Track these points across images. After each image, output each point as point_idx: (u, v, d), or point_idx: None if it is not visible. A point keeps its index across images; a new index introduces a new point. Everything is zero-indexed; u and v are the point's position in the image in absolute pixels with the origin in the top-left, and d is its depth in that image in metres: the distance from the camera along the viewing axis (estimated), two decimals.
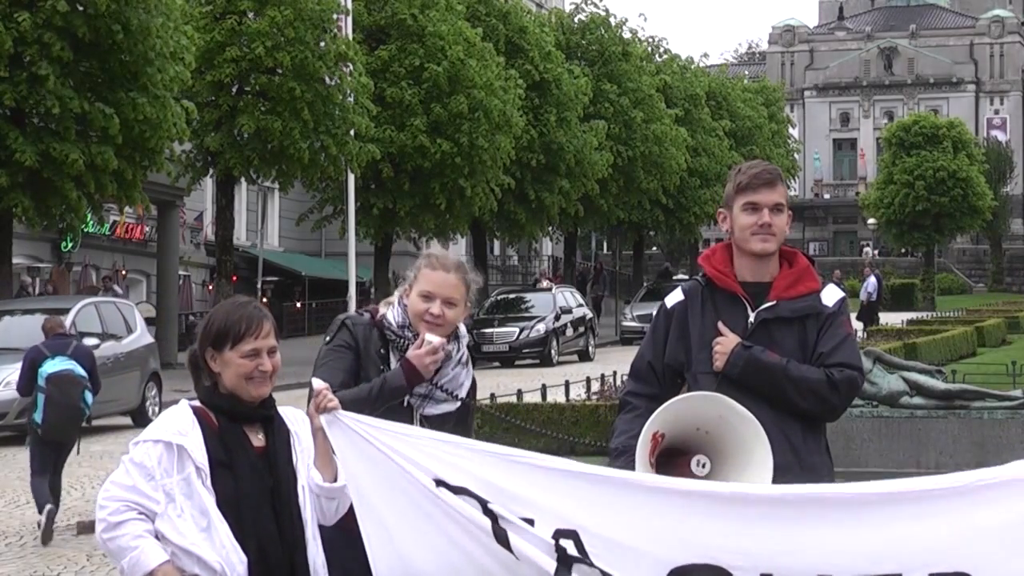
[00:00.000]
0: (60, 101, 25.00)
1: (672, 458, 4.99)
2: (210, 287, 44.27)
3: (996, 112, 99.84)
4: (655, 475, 4.81)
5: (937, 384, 13.75)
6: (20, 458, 15.10)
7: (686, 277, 38.38)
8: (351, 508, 4.66)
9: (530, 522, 4.58)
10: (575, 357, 38.27)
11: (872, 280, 45.13)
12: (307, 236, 50.36)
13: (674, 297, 5.40)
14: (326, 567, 4.59)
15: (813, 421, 5.24)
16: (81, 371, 14.08)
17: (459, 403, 5.54)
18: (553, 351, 37.10)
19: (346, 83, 32.28)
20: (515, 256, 70.05)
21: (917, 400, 13.62)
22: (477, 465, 4.68)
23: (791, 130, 78.57)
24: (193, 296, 46.89)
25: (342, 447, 4.63)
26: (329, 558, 4.62)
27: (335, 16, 32.47)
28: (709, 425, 5.01)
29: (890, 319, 42.35)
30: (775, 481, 4.81)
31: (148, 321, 31.34)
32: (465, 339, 5.64)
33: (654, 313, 5.56)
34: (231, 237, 34.56)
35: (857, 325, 32.24)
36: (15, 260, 30.65)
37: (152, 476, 4.37)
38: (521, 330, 36.86)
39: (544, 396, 18.97)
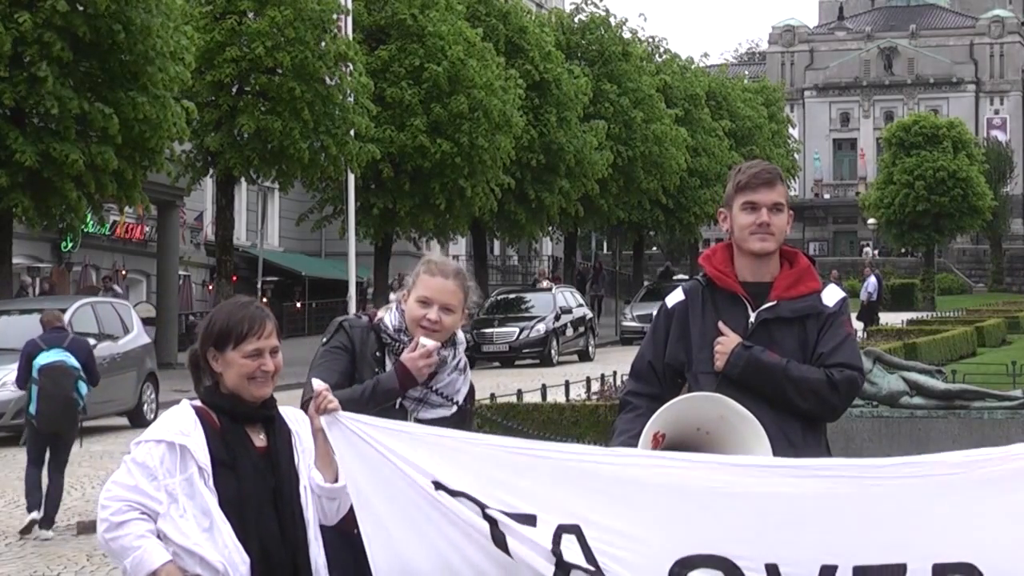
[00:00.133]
0: (60, 101, 24.98)
1: None
2: (210, 287, 44.29)
3: (996, 112, 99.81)
4: (657, 456, 4.81)
5: (937, 384, 13.73)
6: (20, 458, 15.11)
7: (686, 277, 38.34)
8: (350, 510, 4.66)
9: (532, 518, 4.60)
10: (575, 357, 38.23)
11: (872, 280, 45.07)
12: (307, 236, 50.34)
13: (675, 297, 5.41)
14: (327, 568, 4.59)
15: (813, 421, 5.25)
16: (74, 362, 14.12)
17: (455, 408, 5.54)
18: (553, 351, 37.07)
19: (346, 83, 32.27)
20: (515, 256, 70.00)
21: (917, 400, 13.60)
22: (479, 460, 4.70)
23: (791, 130, 78.51)
24: (193, 296, 46.87)
25: (342, 448, 4.64)
26: (329, 558, 4.62)
27: (335, 16, 32.46)
28: (710, 425, 5.02)
29: (890, 319, 42.28)
30: None
31: (148, 321, 31.37)
32: (463, 346, 5.64)
33: (654, 313, 5.57)
34: (231, 237, 34.56)
35: (857, 325, 32.19)
36: (15, 260, 30.64)
37: (155, 476, 4.36)
38: (521, 330, 36.82)
39: (544, 396, 18.93)
